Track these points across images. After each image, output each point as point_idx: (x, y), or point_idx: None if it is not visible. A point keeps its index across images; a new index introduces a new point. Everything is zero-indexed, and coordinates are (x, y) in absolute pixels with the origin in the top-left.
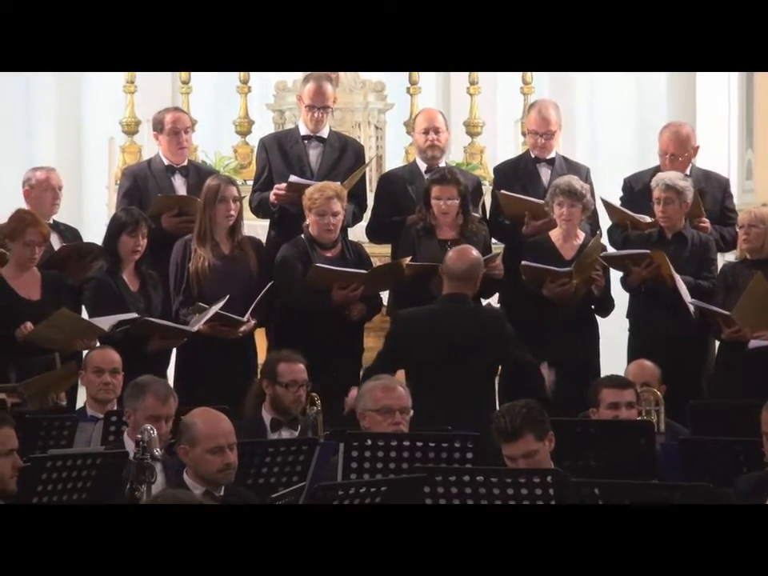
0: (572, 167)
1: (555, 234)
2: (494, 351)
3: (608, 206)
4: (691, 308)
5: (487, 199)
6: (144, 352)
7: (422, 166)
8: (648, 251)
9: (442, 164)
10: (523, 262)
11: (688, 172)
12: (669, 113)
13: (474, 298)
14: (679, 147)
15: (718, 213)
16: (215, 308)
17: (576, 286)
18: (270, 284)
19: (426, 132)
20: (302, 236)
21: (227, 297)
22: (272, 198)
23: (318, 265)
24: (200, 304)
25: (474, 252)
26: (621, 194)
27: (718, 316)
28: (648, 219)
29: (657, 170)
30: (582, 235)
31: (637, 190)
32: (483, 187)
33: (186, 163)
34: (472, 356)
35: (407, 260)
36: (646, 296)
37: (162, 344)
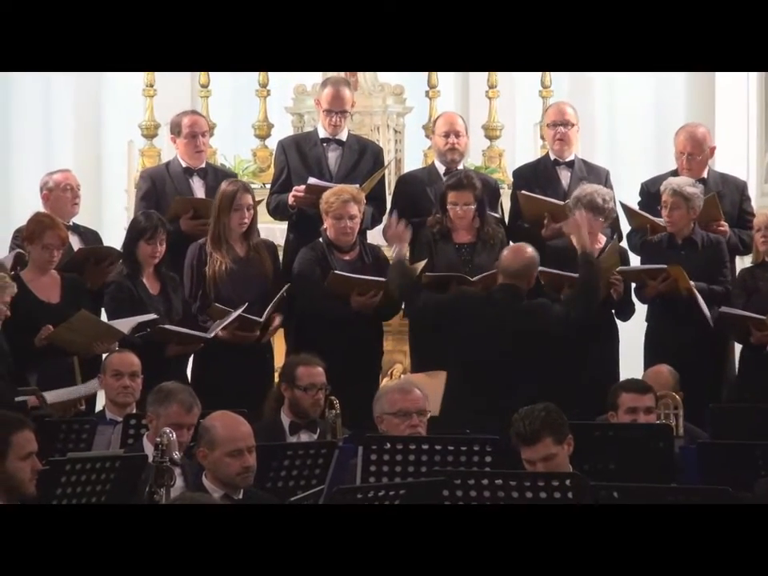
0: (592, 170)
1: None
2: (542, 340)
3: (627, 209)
4: (708, 315)
5: (506, 202)
6: (162, 357)
7: (441, 169)
8: (665, 266)
9: (460, 167)
10: (540, 268)
11: (705, 174)
12: (687, 116)
13: None
14: (696, 146)
15: (736, 216)
16: (233, 315)
17: None
18: (285, 287)
19: (447, 135)
20: (320, 239)
21: (246, 305)
22: (290, 200)
23: (336, 272)
24: (216, 305)
25: (530, 249)
26: (639, 198)
27: (748, 320)
28: None
29: (674, 173)
30: (602, 239)
31: (653, 193)
32: (501, 190)
33: (203, 165)
34: (516, 345)
35: (422, 264)
36: (662, 304)
37: (180, 350)
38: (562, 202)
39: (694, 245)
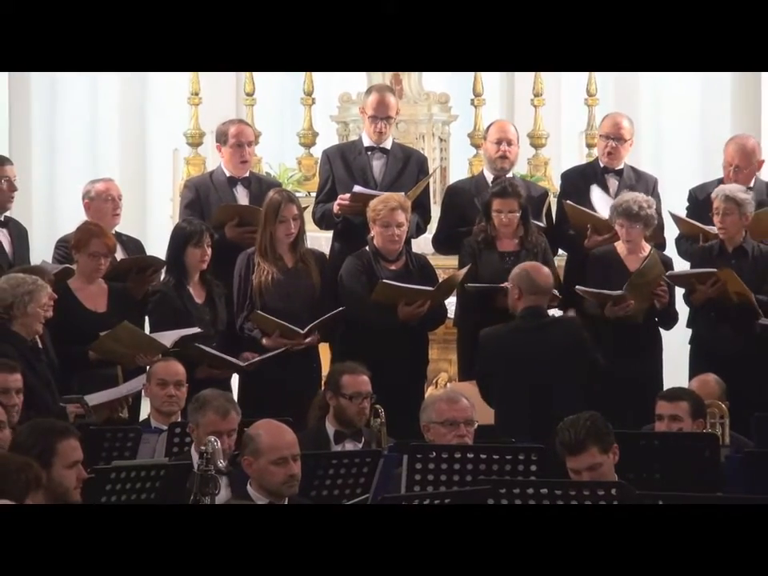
0: (640, 177)
1: (620, 246)
2: (576, 360)
3: (677, 219)
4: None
5: (553, 209)
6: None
7: (489, 178)
8: (715, 270)
9: (509, 176)
10: (577, 288)
11: (751, 184)
12: (733, 121)
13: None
14: (744, 159)
15: None
16: (271, 353)
17: (635, 306)
18: (339, 310)
19: (499, 142)
20: (367, 248)
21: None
22: (335, 208)
23: (385, 281)
24: (259, 312)
25: (547, 269)
26: (686, 204)
27: None
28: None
29: (721, 181)
30: (647, 247)
31: (701, 200)
32: (548, 199)
33: (247, 174)
34: (555, 368)
35: (463, 272)
36: (710, 312)
37: (210, 373)
38: (605, 217)
39: (745, 253)
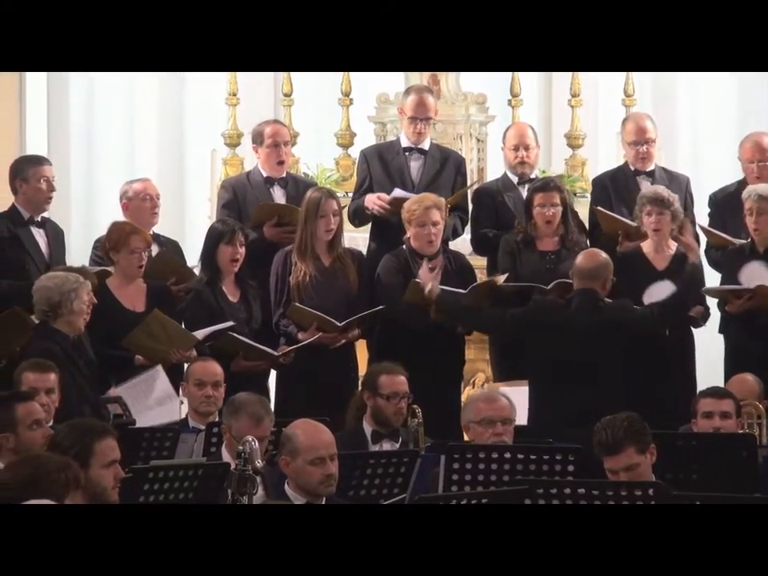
0: (672, 177)
1: (647, 245)
2: (624, 340)
3: (707, 231)
4: None
5: (585, 210)
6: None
7: (514, 178)
8: (752, 288)
9: (532, 176)
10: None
11: None
12: None
13: None
14: (763, 153)
15: None
16: (307, 341)
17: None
18: (378, 308)
19: (516, 148)
20: (404, 247)
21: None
22: (368, 204)
23: (417, 281)
24: (296, 305)
25: (604, 254)
26: (708, 210)
27: None
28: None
29: (740, 183)
30: (673, 245)
31: (720, 201)
32: (584, 199)
33: (284, 175)
34: (601, 349)
35: (502, 278)
36: (743, 321)
37: (245, 366)
38: (634, 223)
39: None
